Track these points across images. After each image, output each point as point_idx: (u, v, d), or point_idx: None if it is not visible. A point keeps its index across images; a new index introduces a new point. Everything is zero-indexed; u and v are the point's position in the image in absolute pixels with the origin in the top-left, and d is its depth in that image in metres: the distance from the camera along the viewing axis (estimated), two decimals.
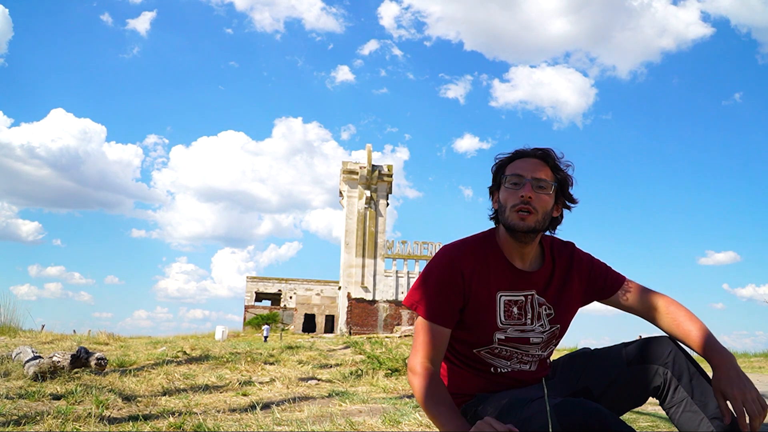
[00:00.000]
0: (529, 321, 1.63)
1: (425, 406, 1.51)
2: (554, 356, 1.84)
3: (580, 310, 1.77)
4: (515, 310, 1.62)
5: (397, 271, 34.02)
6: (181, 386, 4.06)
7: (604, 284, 1.72)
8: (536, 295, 1.64)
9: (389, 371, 5.29)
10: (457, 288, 1.58)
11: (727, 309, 65.60)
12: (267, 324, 30.28)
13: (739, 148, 77.25)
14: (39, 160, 72.32)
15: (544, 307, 1.65)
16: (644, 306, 1.69)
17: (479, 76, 79.49)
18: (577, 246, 1.77)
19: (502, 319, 1.61)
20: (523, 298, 1.63)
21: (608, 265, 1.77)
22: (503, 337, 1.60)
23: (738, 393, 1.39)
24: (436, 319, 1.57)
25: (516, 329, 1.61)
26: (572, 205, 1.68)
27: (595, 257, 1.78)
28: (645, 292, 1.70)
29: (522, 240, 1.60)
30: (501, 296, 1.61)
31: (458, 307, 1.59)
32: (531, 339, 1.63)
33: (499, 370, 1.64)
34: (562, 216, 1.67)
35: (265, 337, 25.89)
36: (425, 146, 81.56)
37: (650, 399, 1.61)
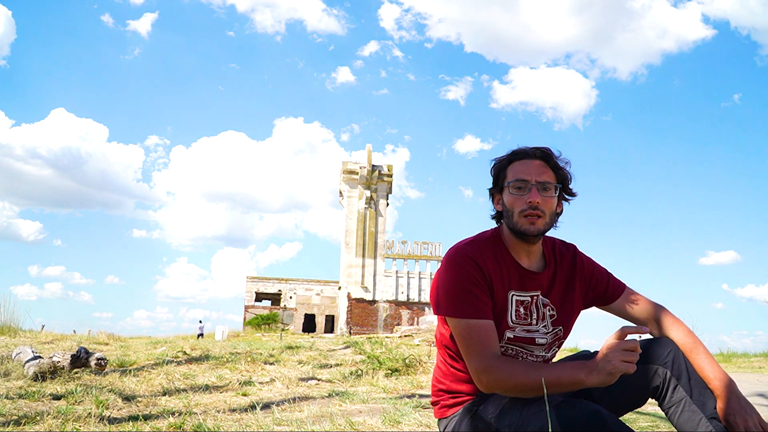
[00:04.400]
0: (534, 321, 1.63)
1: (535, 379, 1.38)
2: (555, 358, 1.84)
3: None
4: (522, 309, 1.62)
5: (397, 271, 33.99)
6: (181, 386, 4.06)
7: (606, 290, 1.73)
8: (541, 296, 1.65)
9: (389, 371, 5.29)
10: (483, 281, 1.57)
11: (727, 309, 65.54)
12: (201, 321, 30.12)
13: (738, 148, 77.30)
14: (40, 160, 72.25)
15: (548, 308, 1.65)
16: (645, 317, 1.69)
17: (480, 77, 79.47)
18: (578, 249, 1.77)
19: (513, 318, 1.61)
20: (529, 299, 1.64)
21: (609, 271, 1.78)
22: (512, 336, 1.61)
23: (741, 421, 1.43)
24: (480, 314, 1.53)
25: (523, 329, 1.62)
26: (571, 198, 1.69)
27: (596, 262, 1.78)
28: (646, 303, 1.71)
29: (530, 241, 1.61)
30: (512, 295, 1.62)
31: (490, 299, 1.57)
32: (536, 339, 1.63)
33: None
34: (562, 209, 1.69)
35: (199, 335, 25.77)
36: (426, 147, 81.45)
37: (650, 399, 1.61)
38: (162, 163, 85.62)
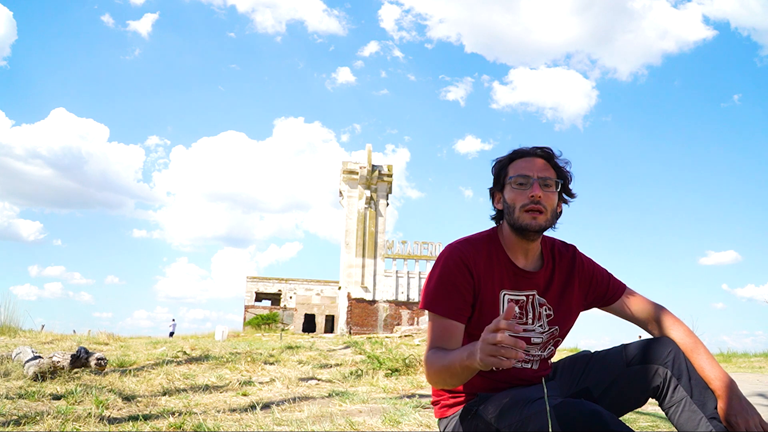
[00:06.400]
0: (530, 321, 1.63)
1: (436, 369, 1.48)
2: (555, 358, 1.84)
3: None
4: (516, 309, 1.62)
5: (397, 271, 33.98)
6: (181, 386, 4.05)
7: (606, 291, 1.73)
8: (537, 296, 1.65)
9: (389, 371, 5.29)
10: (467, 284, 1.58)
11: (727, 309, 65.58)
12: (173, 320, 30.35)
13: (738, 149, 77.32)
14: (41, 160, 72.31)
15: (544, 307, 1.65)
16: (645, 317, 1.70)
17: (480, 77, 79.50)
18: (578, 250, 1.77)
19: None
20: (524, 298, 1.64)
21: (609, 272, 1.78)
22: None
23: (742, 421, 1.43)
24: (449, 314, 1.56)
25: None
26: (570, 199, 1.69)
27: (597, 263, 1.78)
28: (647, 304, 1.71)
29: (530, 238, 1.61)
30: (504, 295, 1.62)
31: (470, 303, 1.59)
32: (532, 339, 1.63)
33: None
34: (561, 211, 1.69)
35: (171, 333, 25.86)
36: (426, 147, 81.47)
37: (651, 399, 1.61)
38: (162, 164, 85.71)
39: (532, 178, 1.58)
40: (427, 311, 1.62)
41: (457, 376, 1.41)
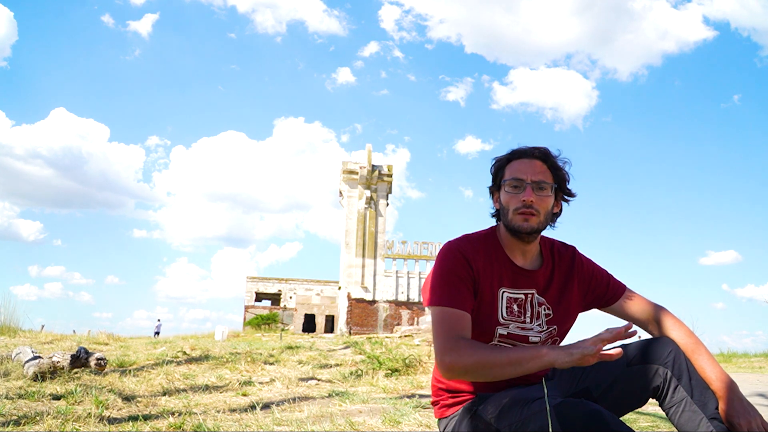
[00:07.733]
0: (528, 319, 1.63)
1: (498, 356, 1.40)
2: None
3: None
4: (515, 307, 1.63)
5: (397, 271, 33.98)
6: (181, 386, 4.05)
7: (606, 292, 1.73)
8: (536, 295, 1.65)
9: (389, 371, 5.29)
10: (468, 275, 1.58)
11: (727, 309, 65.60)
12: (159, 320, 30.67)
13: (738, 149, 77.37)
14: (41, 160, 72.29)
15: (543, 306, 1.66)
16: (645, 318, 1.70)
17: (480, 78, 79.52)
18: (578, 250, 1.78)
19: (504, 315, 1.61)
20: (523, 296, 1.64)
21: (609, 272, 1.78)
22: (505, 333, 1.61)
23: (744, 422, 1.43)
24: (457, 304, 1.53)
25: (517, 326, 1.62)
26: (570, 199, 1.69)
27: (596, 263, 1.78)
28: (647, 305, 1.71)
29: (524, 239, 1.62)
30: (503, 292, 1.62)
31: (472, 295, 1.58)
32: (530, 338, 1.63)
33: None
34: (561, 210, 1.69)
35: (156, 333, 26.26)
36: (426, 148, 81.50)
37: (651, 399, 1.61)
38: (162, 164, 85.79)
39: (525, 181, 1.59)
40: (430, 309, 1.60)
41: (519, 366, 1.37)
